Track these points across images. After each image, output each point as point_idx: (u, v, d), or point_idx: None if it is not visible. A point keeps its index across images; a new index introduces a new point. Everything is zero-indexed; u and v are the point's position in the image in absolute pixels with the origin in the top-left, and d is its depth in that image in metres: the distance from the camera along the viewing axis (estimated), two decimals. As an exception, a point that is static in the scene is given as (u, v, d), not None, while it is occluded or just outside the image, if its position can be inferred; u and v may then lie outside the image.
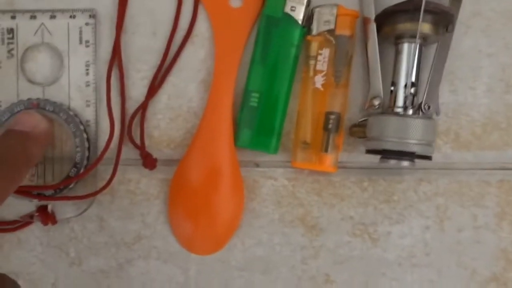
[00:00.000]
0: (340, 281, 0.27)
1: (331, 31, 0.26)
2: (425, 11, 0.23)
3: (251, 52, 0.26)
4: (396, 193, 0.27)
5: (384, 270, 0.27)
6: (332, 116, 0.26)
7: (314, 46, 0.26)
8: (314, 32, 0.26)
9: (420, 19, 0.22)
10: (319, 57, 0.26)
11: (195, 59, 0.27)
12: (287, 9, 0.26)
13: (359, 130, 0.26)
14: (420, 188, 0.27)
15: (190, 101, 0.27)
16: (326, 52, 0.26)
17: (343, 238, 0.27)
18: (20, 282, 0.22)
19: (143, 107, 0.27)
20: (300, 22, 0.26)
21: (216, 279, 0.28)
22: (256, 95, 0.26)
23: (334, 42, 0.26)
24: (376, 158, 0.24)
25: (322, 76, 0.26)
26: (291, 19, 0.26)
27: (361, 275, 0.27)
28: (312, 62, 0.26)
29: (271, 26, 0.26)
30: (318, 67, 0.26)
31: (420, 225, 0.27)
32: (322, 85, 0.26)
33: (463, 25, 0.26)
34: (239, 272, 0.28)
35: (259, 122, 0.26)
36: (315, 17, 0.26)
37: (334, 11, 0.25)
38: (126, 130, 0.27)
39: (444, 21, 0.24)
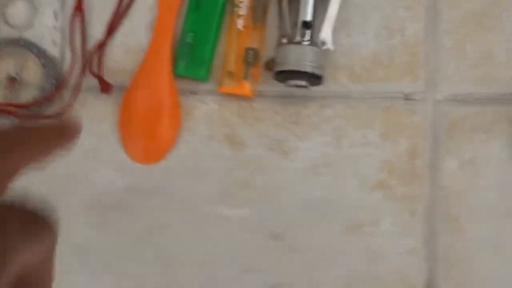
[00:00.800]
0: (258, 185, 0.34)
1: None
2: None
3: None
4: (303, 116, 0.34)
5: (293, 178, 0.34)
6: (250, 51, 0.32)
7: None
8: None
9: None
10: (241, 4, 0.33)
11: (145, 6, 0.34)
12: None
13: (271, 63, 0.32)
14: (322, 112, 0.34)
15: (140, 39, 0.34)
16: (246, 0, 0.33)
17: (261, 152, 0.34)
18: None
19: (101, 45, 0.34)
20: None
21: (161, 184, 0.34)
22: (191, 34, 0.33)
23: None
24: (288, 89, 0.31)
25: (243, 19, 0.33)
26: None
27: (276, 181, 0.34)
28: (235, 8, 0.33)
29: None
30: (240, 12, 0.33)
31: (322, 141, 0.34)
32: (243, 26, 0.33)
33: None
34: (177, 178, 0.34)
35: (193, 55, 0.33)
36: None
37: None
38: (87, 63, 0.34)
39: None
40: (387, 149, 0.33)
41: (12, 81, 0.33)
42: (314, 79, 0.30)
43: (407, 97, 0.34)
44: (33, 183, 0.32)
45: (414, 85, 0.34)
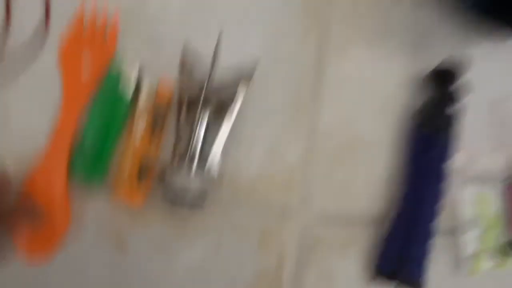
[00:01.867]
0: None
1: (152, 98, 0.35)
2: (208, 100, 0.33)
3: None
4: (188, 223, 0.36)
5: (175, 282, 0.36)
6: (144, 164, 0.34)
7: (138, 108, 0.35)
8: (140, 98, 0.35)
9: (200, 105, 0.32)
10: (140, 116, 0.34)
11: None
12: (121, 75, 0.34)
13: (162, 175, 0.35)
14: (205, 222, 0.37)
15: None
16: (145, 114, 0.35)
17: (145, 255, 0.36)
18: None
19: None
20: (130, 88, 0.34)
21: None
22: (91, 139, 0.34)
23: (153, 108, 0.35)
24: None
25: (141, 130, 0.34)
26: (124, 83, 0.34)
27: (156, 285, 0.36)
28: (135, 119, 0.35)
29: (109, 86, 0.34)
30: (139, 124, 0.34)
31: (203, 248, 0.37)
32: (141, 137, 0.34)
33: (250, 106, 0.37)
34: (59, 276, 0.34)
35: (91, 159, 0.34)
36: (142, 85, 0.35)
37: (156, 84, 0.35)
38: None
39: (227, 106, 0.35)
40: (259, 259, 0.37)
41: None
42: (196, 207, 0.33)
43: (281, 214, 0.38)
44: None
45: (288, 204, 0.38)
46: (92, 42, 0.34)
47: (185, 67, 0.35)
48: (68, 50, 0.34)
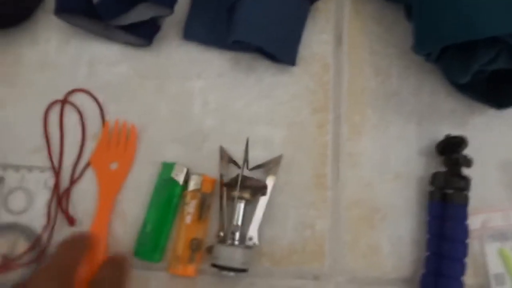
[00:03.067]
0: None
1: (198, 189, 0.43)
2: (245, 186, 0.41)
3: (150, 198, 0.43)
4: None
5: None
6: (195, 241, 0.42)
7: (187, 197, 0.43)
8: (189, 189, 0.43)
9: (237, 191, 0.40)
10: (190, 204, 0.43)
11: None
12: (173, 175, 0.43)
13: (210, 249, 0.42)
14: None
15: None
16: (194, 202, 0.43)
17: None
18: None
19: (67, 191, 0.43)
20: (180, 183, 0.43)
21: None
22: (150, 224, 0.43)
23: (200, 196, 0.43)
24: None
25: (191, 215, 0.43)
26: (175, 181, 0.43)
27: None
28: (185, 206, 0.43)
29: (163, 183, 0.43)
30: (189, 210, 0.43)
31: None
32: (191, 221, 0.43)
33: (278, 189, 0.45)
34: None
35: (150, 241, 0.42)
36: (190, 181, 0.43)
37: (201, 178, 0.43)
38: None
39: (260, 190, 0.42)
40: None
41: (4, 259, 0.41)
42: (241, 271, 0.40)
43: (315, 278, 0.43)
44: None
45: (320, 269, 0.44)
46: (117, 147, 0.44)
47: (223, 161, 0.44)
48: (99, 154, 0.44)
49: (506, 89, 0.44)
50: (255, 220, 0.42)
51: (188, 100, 0.47)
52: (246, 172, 0.43)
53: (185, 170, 0.43)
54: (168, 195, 0.43)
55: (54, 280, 0.28)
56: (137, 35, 0.45)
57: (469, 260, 0.42)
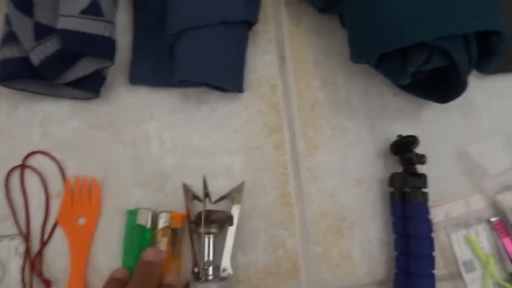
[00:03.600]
0: None
1: (168, 226, 0.44)
2: (210, 221, 0.42)
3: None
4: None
5: None
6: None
7: (158, 235, 0.44)
8: (159, 227, 0.44)
9: (202, 227, 0.41)
10: (162, 242, 0.44)
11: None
12: (139, 221, 0.44)
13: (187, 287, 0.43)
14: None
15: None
16: (165, 239, 0.44)
17: None
18: None
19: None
20: (148, 226, 0.44)
21: None
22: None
23: (170, 232, 0.44)
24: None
25: (164, 253, 0.43)
26: (143, 226, 0.44)
27: None
28: (158, 245, 0.44)
29: (132, 230, 0.44)
30: (161, 248, 0.44)
31: None
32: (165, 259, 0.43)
33: (246, 214, 0.46)
34: None
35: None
36: (159, 219, 0.44)
37: (169, 215, 0.44)
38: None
39: (226, 221, 0.43)
40: None
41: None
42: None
43: (294, 296, 0.45)
44: None
45: (298, 286, 0.45)
46: (82, 202, 0.45)
47: (188, 197, 0.45)
48: (65, 212, 0.45)
49: (447, 83, 0.45)
50: (226, 250, 0.43)
51: (145, 143, 0.48)
52: (211, 206, 0.44)
53: (149, 213, 0.44)
54: (139, 241, 0.44)
55: None
56: (84, 89, 0.46)
57: (437, 252, 0.44)
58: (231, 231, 0.44)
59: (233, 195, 0.45)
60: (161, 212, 0.44)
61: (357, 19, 0.43)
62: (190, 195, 0.45)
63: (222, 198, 0.45)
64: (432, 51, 0.41)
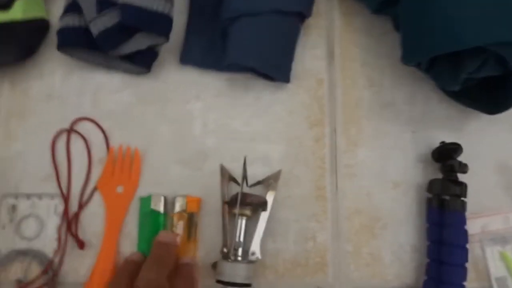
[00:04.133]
0: None
1: (184, 210, 0.45)
2: (245, 203, 0.42)
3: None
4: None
5: None
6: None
7: (174, 219, 0.44)
8: (175, 211, 0.45)
9: (237, 208, 0.42)
10: (178, 226, 0.44)
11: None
12: (152, 206, 0.45)
13: (215, 266, 0.43)
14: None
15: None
16: (181, 223, 0.44)
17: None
18: None
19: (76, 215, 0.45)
20: (161, 212, 0.44)
21: None
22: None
23: (186, 216, 0.44)
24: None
25: (179, 237, 0.44)
26: (156, 211, 0.44)
27: None
28: (174, 229, 0.44)
29: (145, 217, 0.45)
30: (177, 231, 0.44)
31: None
32: (180, 242, 0.44)
33: (279, 203, 0.46)
34: None
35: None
36: (175, 203, 0.45)
37: (185, 199, 0.45)
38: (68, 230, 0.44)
39: (261, 206, 0.44)
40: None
41: (19, 283, 0.43)
42: (245, 286, 0.41)
43: (319, 290, 0.44)
44: None
45: (324, 281, 0.45)
46: (122, 171, 0.46)
47: (224, 180, 0.45)
48: (105, 179, 0.46)
49: (497, 94, 0.44)
50: (257, 235, 0.44)
51: (188, 122, 0.48)
52: (246, 189, 0.45)
53: (162, 199, 0.45)
54: (153, 226, 0.44)
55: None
56: (136, 64, 0.47)
57: (470, 265, 0.43)
58: (263, 216, 0.44)
59: (269, 182, 0.46)
60: (177, 196, 0.45)
61: (413, 19, 0.43)
62: (226, 177, 0.46)
63: (258, 183, 0.46)
64: (487, 58, 0.40)
